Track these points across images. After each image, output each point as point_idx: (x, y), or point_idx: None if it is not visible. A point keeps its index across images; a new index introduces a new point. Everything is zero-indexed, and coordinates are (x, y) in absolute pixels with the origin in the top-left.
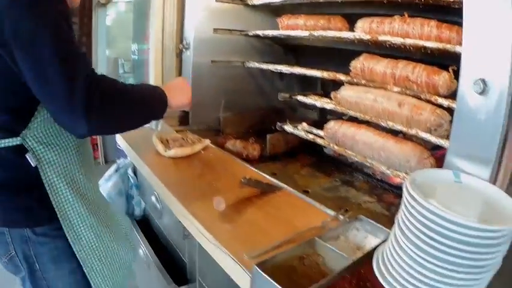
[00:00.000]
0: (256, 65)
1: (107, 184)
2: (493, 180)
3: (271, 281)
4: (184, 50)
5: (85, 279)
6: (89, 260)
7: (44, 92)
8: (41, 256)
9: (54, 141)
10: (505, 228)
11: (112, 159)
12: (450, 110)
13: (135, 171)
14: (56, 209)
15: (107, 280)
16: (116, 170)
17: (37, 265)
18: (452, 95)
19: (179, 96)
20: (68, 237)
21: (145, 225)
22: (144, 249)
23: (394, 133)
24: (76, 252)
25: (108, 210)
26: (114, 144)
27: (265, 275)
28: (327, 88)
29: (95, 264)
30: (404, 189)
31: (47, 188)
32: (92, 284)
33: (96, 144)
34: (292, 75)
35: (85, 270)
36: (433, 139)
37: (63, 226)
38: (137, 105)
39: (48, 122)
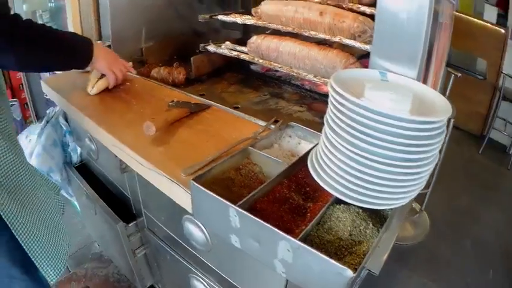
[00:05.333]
0: None
1: (40, 138)
2: (422, 80)
3: (210, 193)
4: None
5: (14, 243)
6: (16, 224)
7: None
8: None
9: None
10: (435, 120)
11: (44, 115)
12: (374, 18)
13: (66, 119)
14: None
15: (40, 243)
16: (47, 121)
17: None
18: (374, 4)
19: (106, 56)
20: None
21: (85, 170)
22: (87, 195)
23: (319, 44)
24: (3, 216)
25: (33, 181)
26: (44, 99)
27: (203, 188)
28: (248, 7)
29: (24, 228)
30: (329, 87)
31: None
32: (25, 248)
33: (26, 103)
34: None
35: (15, 234)
36: (358, 45)
37: None
38: (62, 43)
39: None
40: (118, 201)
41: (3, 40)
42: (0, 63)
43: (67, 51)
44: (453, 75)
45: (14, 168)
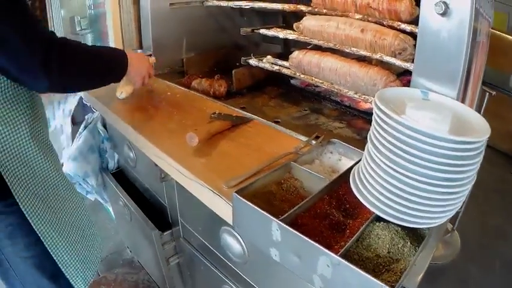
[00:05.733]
0: (215, 2)
1: (77, 142)
2: (461, 99)
3: (253, 206)
4: None
5: (44, 254)
6: (47, 233)
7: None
8: None
9: (2, 116)
10: (476, 140)
11: (80, 120)
12: (413, 35)
13: (104, 125)
14: (9, 185)
15: (72, 253)
16: (86, 127)
17: None
18: (415, 21)
19: (139, 65)
20: (24, 210)
21: (122, 177)
22: (123, 201)
23: (360, 60)
24: (34, 227)
25: (67, 189)
26: (81, 104)
27: (246, 201)
28: (289, 22)
29: (54, 237)
30: (373, 105)
31: None
32: (55, 257)
33: None
34: (252, 11)
35: (45, 244)
36: (398, 62)
37: (18, 202)
38: (96, 63)
39: None
40: (153, 208)
41: (36, 69)
42: (34, 88)
43: (103, 70)
44: (488, 93)
45: (49, 177)
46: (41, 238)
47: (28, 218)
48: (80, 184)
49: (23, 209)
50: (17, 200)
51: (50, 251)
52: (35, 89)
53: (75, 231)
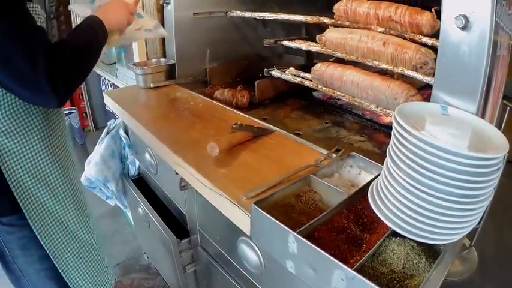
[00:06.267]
0: (239, 13)
1: (99, 147)
2: (481, 114)
3: (271, 218)
4: (165, 5)
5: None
6: (58, 253)
7: (5, 74)
8: (9, 243)
9: (14, 129)
10: (494, 156)
11: (102, 125)
12: (434, 49)
13: (126, 131)
14: (17, 197)
15: (83, 275)
16: (108, 132)
17: (7, 251)
18: (436, 35)
19: (114, 15)
20: (33, 228)
21: (142, 183)
22: (143, 207)
23: (381, 73)
24: (43, 244)
25: (85, 199)
26: (102, 109)
27: (264, 212)
28: (312, 34)
29: (68, 258)
30: (393, 120)
31: (7, 178)
32: (65, 277)
33: (85, 112)
34: (276, 22)
35: (55, 263)
36: (419, 76)
37: (26, 217)
38: (89, 52)
39: (6, 110)
40: (172, 216)
41: (47, 91)
42: (45, 107)
43: (94, 50)
44: (508, 107)
45: (63, 192)
46: (50, 255)
47: (36, 234)
48: (100, 189)
49: (31, 224)
50: (26, 216)
51: (60, 270)
52: (45, 107)
53: (89, 251)
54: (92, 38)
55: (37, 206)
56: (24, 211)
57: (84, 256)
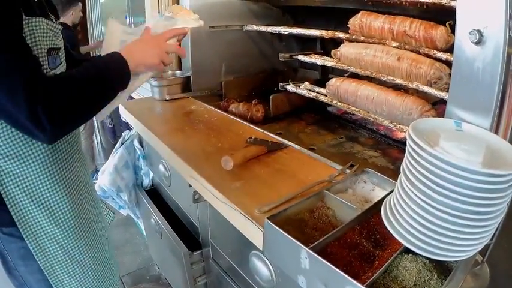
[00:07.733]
0: (255, 27)
1: (113, 157)
2: (495, 129)
3: (284, 233)
4: None
5: None
6: (53, 271)
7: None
8: (11, 252)
9: (13, 152)
10: (508, 173)
11: (117, 135)
12: (449, 64)
13: (141, 142)
14: (13, 217)
15: None
16: (122, 143)
17: (9, 257)
18: (450, 49)
19: (141, 55)
20: (29, 246)
21: (155, 195)
22: (155, 219)
23: (396, 88)
24: (38, 261)
25: (92, 222)
26: (124, 122)
27: (277, 227)
28: (327, 48)
29: (62, 276)
30: (407, 136)
31: (4, 198)
32: None
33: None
34: (291, 36)
35: (50, 281)
36: (434, 92)
37: (22, 234)
38: (91, 91)
39: (5, 135)
40: (185, 228)
41: (44, 132)
42: (44, 143)
43: (99, 87)
44: None
45: (63, 215)
46: (43, 270)
47: (31, 249)
48: (113, 198)
49: (25, 239)
50: (20, 231)
51: (52, 284)
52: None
53: (85, 273)
54: (99, 77)
55: (33, 225)
56: (18, 227)
57: (79, 276)
